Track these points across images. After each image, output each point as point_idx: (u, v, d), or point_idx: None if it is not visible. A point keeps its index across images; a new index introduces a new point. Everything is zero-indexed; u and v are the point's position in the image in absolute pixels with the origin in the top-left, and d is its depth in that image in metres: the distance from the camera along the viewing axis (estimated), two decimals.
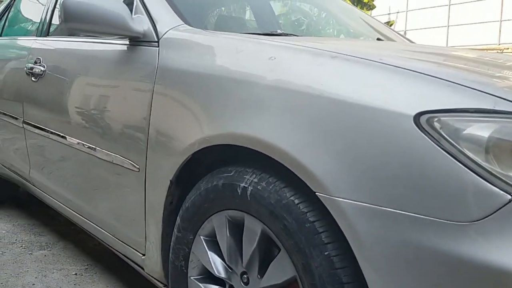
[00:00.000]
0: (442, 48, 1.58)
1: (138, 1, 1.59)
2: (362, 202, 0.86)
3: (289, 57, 1.08)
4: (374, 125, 0.87)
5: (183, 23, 1.46)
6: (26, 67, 2.13)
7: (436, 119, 0.82)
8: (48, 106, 1.95)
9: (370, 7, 14.18)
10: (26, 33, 2.51)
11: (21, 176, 2.40)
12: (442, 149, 0.80)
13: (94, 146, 1.64)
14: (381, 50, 1.29)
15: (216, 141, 1.14)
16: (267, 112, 1.04)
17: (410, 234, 0.80)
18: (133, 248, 1.56)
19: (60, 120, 1.86)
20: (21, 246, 2.33)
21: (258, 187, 1.04)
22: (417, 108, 0.84)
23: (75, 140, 1.76)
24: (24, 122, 2.19)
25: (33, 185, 2.28)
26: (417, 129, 0.82)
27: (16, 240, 2.42)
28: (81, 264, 2.14)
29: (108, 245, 1.75)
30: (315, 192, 0.92)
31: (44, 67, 1.99)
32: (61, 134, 1.86)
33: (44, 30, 2.21)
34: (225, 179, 1.13)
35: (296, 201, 0.97)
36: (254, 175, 1.07)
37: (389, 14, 16.79)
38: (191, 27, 1.44)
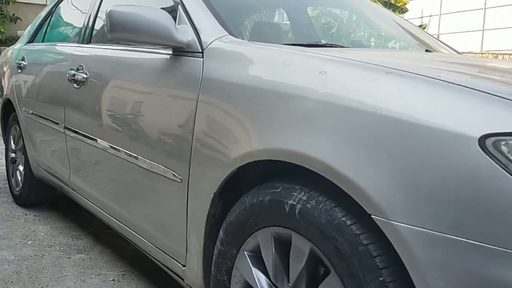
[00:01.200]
0: (500, 61, 1.52)
1: (182, 11, 1.59)
2: (421, 228, 0.82)
3: (341, 72, 1.05)
4: (434, 147, 0.83)
5: (227, 33, 1.45)
6: (68, 73, 2.16)
7: (503, 142, 0.78)
8: (90, 113, 1.97)
9: (403, 10, 13.96)
10: (68, 39, 2.56)
11: (61, 180, 2.44)
12: (511, 174, 0.76)
13: (136, 155, 1.65)
14: (435, 64, 1.24)
15: (263, 156, 1.13)
16: (318, 128, 1.01)
17: (476, 264, 0.76)
18: (173, 258, 1.55)
19: (102, 127, 1.88)
20: (60, 250, 2.37)
21: (307, 205, 1.02)
22: (482, 130, 0.80)
23: (116, 148, 1.78)
24: (65, 127, 2.23)
25: (73, 190, 2.32)
26: (483, 152, 0.78)
27: (54, 243, 2.46)
28: (118, 269, 2.16)
29: (146, 252, 1.76)
30: (370, 215, 0.89)
31: (86, 74, 2.02)
32: (103, 142, 1.88)
33: (86, 37, 2.24)
34: (272, 195, 1.11)
35: (348, 222, 0.94)
36: (303, 193, 1.05)
37: (421, 17, 16.50)
38: (235, 38, 1.43)
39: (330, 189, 1.00)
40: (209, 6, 1.56)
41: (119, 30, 1.48)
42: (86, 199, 2.15)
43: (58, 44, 2.53)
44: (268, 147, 1.11)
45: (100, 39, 2.19)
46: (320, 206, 1.00)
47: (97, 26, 2.23)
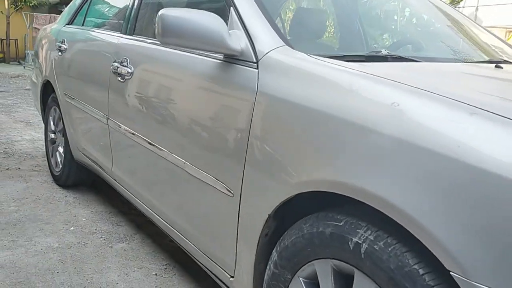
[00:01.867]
0: None
1: (235, 14, 1.52)
2: None
3: (416, 106, 0.98)
4: None
5: (284, 44, 1.38)
6: (112, 65, 2.13)
7: None
8: (135, 109, 1.94)
9: None
10: (109, 27, 2.51)
11: (103, 169, 2.46)
12: None
13: (183, 160, 1.63)
14: None
15: (325, 188, 1.08)
16: (389, 167, 0.95)
17: None
18: (220, 267, 1.55)
19: (147, 125, 1.86)
20: (102, 237, 2.41)
21: (375, 246, 0.98)
22: None
23: (162, 149, 1.76)
24: (109, 119, 2.22)
25: (115, 180, 2.33)
26: None
27: (96, 229, 2.50)
28: (160, 263, 2.18)
29: (191, 254, 1.76)
30: (449, 271, 0.84)
31: (131, 69, 1.98)
32: (148, 140, 1.86)
33: (129, 27, 2.19)
34: (334, 228, 1.07)
35: (421, 271, 0.90)
36: (369, 231, 1.00)
37: None
38: (293, 50, 1.35)
39: (399, 230, 0.96)
40: (264, 12, 1.48)
41: (170, 36, 1.42)
42: (130, 193, 2.15)
43: (99, 32, 2.48)
44: (332, 179, 1.06)
45: (144, 31, 2.14)
46: (389, 249, 0.95)
47: (141, 16, 2.18)
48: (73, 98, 2.70)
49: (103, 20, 2.70)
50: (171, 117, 1.69)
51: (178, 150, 1.66)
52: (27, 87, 8.17)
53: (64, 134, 2.98)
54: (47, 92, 3.27)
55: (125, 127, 2.04)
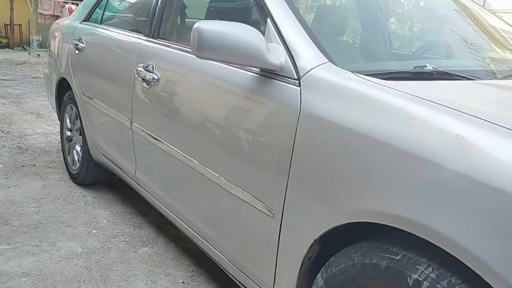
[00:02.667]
0: None
1: (272, 28, 1.46)
2: None
3: (483, 141, 0.93)
4: None
5: (327, 60, 1.33)
6: (137, 70, 2.08)
7: None
8: (163, 117, 1.90)
9: None
10: (131, 27, 2.45)
11: (125, 173, 2.42)
12: None
13: (217, 174, 1.59)
14: None
15: (383, 220, 1.04)
16: (453, 204, 0.91)
17: None
18: (257, 284, 1.52)
19: (177, 135, 1.82)
20: (124, 241, 2.39)
21: (437, 285, 0.94)
22: None
23: (193, 161, 1.72)
24: (132, 123, 2.18)
25: (138, 185, 2.30)
26: None
27: (118, 232, 2.48)
28: (186, 269, 2.16)
29: (223, 267, 1.74)
30: None
31: (157, 75, 1.93)
32: (177, 150, 1.82)
33: (154, 30, 2.12)
34: (390, 261, 1.04)
35: None
36: (430, 269, 0.97)
37: None
38: (337, 67, 1.30)
39: (464, 269, 0.92)
40: (303, 25, 1.43)
41: (207, 50, 1.37)
42: (156, 201, 2.12)
43: (120, 32, 2.42)
44: (388, 212, 1.03)
45: (169, 34, 2.08)
46: None
47: (165, 18, 2.12)
48: (91, 98, 2.65)
49: (123, 19, 2.63)
50: (204, 129, 1.65)
51: (212, 164, 1.62)
52: (33, 75, 8.10)
53: (82, 133, 2.94)
54: (62, 89, 3.22)
55: (152, 134, 2.00)
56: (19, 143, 3.95)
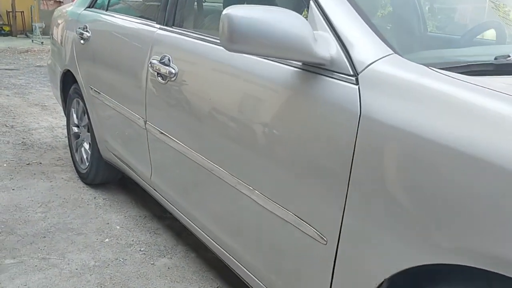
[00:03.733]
0: None
1: (318, 12, 1.20)
2: None
3: None
4: None
5: (391, 51, 1.07)
6: (150, 62, 1.83)
7: None
8: (184, 118, 1.66)
9: None
10: (141, 14, 2.19)
11: (138, 175, 2.20)
12: None
13: (251, 187, 1.36)
14: None
15: (482, 264, 0.81)
16: None
17: None
18: None
19: (201, 138, 1.58)
20: (140, 251, 2.17)
21: None
22: None
23: (218, 168, 1.49)
24: (147, 123, 1.94)
25: (155, 190, 2.07)
26: None
27: (133, 241, 2.26)
28: (210, 284, 1.94)
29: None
30: None
31: (174, 69, 1.68)
32: (199, 154, 1.58)
33: (168, 17, 1.87)
34: None
35: None
36: None
37: None
38: (404, 59, 1.05)
39: None
40: (357, 8, 1.17)
41: (240, 42, 1.11)
42: (174, 207, 1.90)
43: (129, 20, 2.16)
44: (490, 252, 0.79)
45: (185, 22, 1.82)
46: None
47: (182, 2, 1.86)
48: (99, 93, 2.41)
49: (133, 7, 2.37)
50: (234, 133, 1.41)
51: (246, 175, 1.38)
52: (37, 64, 7.87)
53: (90, 130, 2.71)
54: (67, 81, 2.98)
55: (170, 137, 1.76)
56: (23, 139, 3.74)
